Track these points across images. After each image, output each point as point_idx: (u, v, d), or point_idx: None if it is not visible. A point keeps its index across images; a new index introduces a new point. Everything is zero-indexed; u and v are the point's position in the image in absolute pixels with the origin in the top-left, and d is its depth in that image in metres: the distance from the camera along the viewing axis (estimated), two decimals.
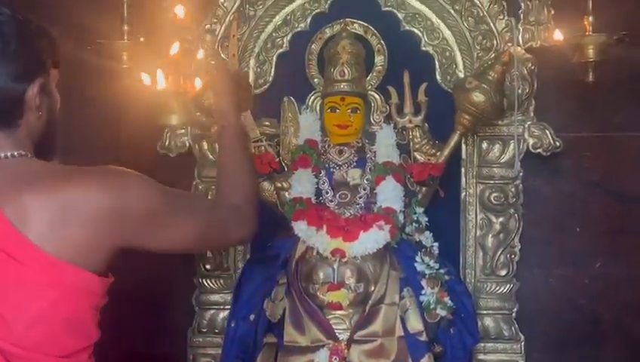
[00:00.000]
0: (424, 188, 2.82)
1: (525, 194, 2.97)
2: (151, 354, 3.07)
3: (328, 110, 2.80)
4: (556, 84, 2.96)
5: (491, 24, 2.91)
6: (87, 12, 3.06)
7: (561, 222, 3.05)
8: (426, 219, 2.78)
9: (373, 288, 2.67)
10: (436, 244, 2.73)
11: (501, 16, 2.89)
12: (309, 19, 2.98)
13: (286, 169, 2.84)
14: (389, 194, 2.75)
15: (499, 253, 2.95)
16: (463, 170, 2.96)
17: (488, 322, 2.96)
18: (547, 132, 2.92)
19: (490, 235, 2.96)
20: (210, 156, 2.97)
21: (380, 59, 2.90)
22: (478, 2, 2.91)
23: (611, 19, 2.75)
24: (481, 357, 2.94)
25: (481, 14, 2.91)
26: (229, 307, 2.89)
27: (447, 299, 2.66)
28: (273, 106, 2.88)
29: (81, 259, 1.52)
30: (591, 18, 2.64)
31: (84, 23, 3.00)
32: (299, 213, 2.71)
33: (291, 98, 2.84)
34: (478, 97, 2.68)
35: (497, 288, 2.96)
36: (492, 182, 2.95)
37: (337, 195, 2.79)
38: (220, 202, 1.94)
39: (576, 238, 3.04)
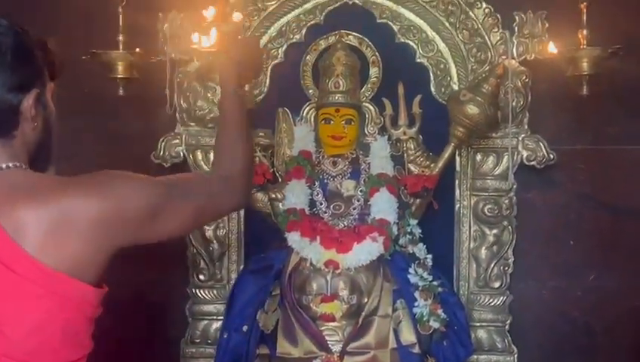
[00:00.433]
0: (418, 200, 2.83)
1: (519, 206, 2.99)
2: None
3: (323, 121, 2.82)
4: (550, 97, 2.99)
5: (486, 37, 2.91)
6: (82, 22, 3.08)
7: (554, 235, 3.07)
8: (420, 230, 2.80)
9: (366, 300, 2.68)
10: (430, 256, 2.76)
11: (495, 29, 2.90)
12: (304, 31, 2.98)
13: (280, 180, 2.84)
14: (383, 205, 2.76)
15: (492, 265, 2.97)
16: (456, 182, 2.97)
17: (481, 334, 2.98)
18: (541, 144, 2.92)
19: (483, 247, 2.97)
20: (205, 166, 2.97)
21: (374, 71, 2.92)
22: (472, 15, 2.92)
23: (605, 33, 2.77)
24: None
25: (476, 27, 2.91)
26: (222, 318, 2.89)
27: (440, 311, 2.68)
28: (268, 117, 2.89)
29: (77, 270, 1.51)
30: (585, 31, 2.65)
31: (80, 32, 3.02)
32: (292, 224, 2.73)
33: (286, 109, 2.85)
34: (472, 110, 2.70)
35: (491, 300, 2.98)
36: (486, 194, 2.96)
37: (331, 206, 2.81)
38: (212, 175, 1.92)
39: (570, 251, 3.07)
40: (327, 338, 2.64)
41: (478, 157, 2.96)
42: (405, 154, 2.85)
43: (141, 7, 2.90)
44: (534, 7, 2.87)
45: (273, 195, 2.82)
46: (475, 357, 2.92)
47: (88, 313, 1.55)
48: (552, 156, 2.92)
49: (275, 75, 2.99)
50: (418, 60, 2.95)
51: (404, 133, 2.85)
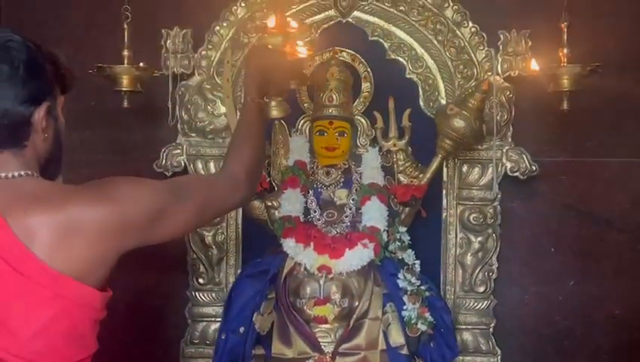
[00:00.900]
0: (407, 209, 2.82)
1: (503, 215, 2.99)
2: None
3: (317, 133, 2.82)
4: (533, 112, 2.99)
5: (472, 54, 2.91)
6: (88, 37, 3.09)
7: (536, 243, 3.06)
8: (409, 237, 2.79)
9: (357, 303, 2.66)
10: (418, 262, 2.74)
11: (481, 47, 2.90)
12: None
13: (276, 188, 2.85)
14: (374, 213, 2.76)
15: (477, 270, 2.96)
16: (444, 191, 2.97)
17: (467, 336, 2.97)
18: (524, 156, 2.92)
19: (469, 254, 2.96)
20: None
21: (366, 86, 2.91)
22: (459, 34, 2.92)
23: (585, 52, 2.76)
24: None
25: (463, 45, 2.92)
26: (220, 319, 2.88)
27: (427, 315, 2.66)
28: (265, 129, 2.87)
29: (83, 274, 1.52)
30: (566, 50, 2.65)
31: (86, 47, 3.03)
32: (288, 230, 2.73)
33: (282, 121, 2.83)
34: (458, 123, 2.69)
35: (476, 304, 2.98)
36: (471, 203, 2.96)
37: (324, 214, 2.80)
38: (218, 173, 1.89)
39: (551, 258, 3.06)
40: (319, 339, 2.64)
41: (465, 168, 2.96)
42: (395, 165, 2.84)
43: (145, 24, 2.91)
44: (518, 26, 2.87)
45: (270, 203, 2.82)
46: (461, 358, 2.92)
47: (93, 315, 1.56)
48: (534, 168, 2.92)
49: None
50: (408, 76, 2.95)
51: (394, 145, 2.85)
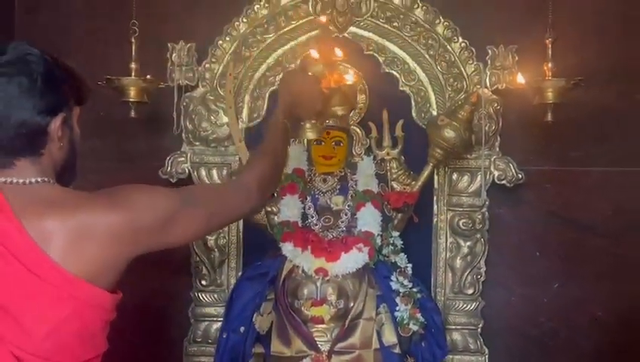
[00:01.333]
0: (400, 214, 2.82)
1: (491, 221, 2.99)
2: (151, 361, 3.05)
3: (315, 142, 2.81)
4: (519, 123, 2.99)
5: (462, 68, 2.92)
6: (98, 51, 3.10)
7: (522, 247, 3.07)
8: (401, 242, 2.80)
9: (352, 304, 2.67)
10: (410, 265, 2.75)
11: (470, 62, 2.92)
12: (298, 61, 2.96)
13: (275, 195, 2.85)
14: (368, 219, 2.77)
15: (466, 273, 2.97)
16: (435, 198, 2.97)
17: (456, 336, 2.98)
18: (511, 165, 2.93)
19: (458, 258, 2.97)
20: (208, 182, 2.97)
21: (361, 98, 2.92)
22: (450, 48, 2.93)
23: (568, 66, 2.78)
24: None
25: (453, 59, 2.93)
26: (221, 319, 2.88)
27: (419, 315, 2.66)
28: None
29: (95, 277, 1.52)
30: (550, 64, 2.66)
31: (95, 60, 3.04)
32: (286, 235, 2.73)
33: None
34: (449, 133, 2.70)
35: (464, 305, 2.98)
36: (461, 209, 2.96)
37: (321, 219, 2.81)
38: (230, 182, 1.86)
39: (536, 262, 3.06)
40: (316, 338, 2.64)
41: (454, 176, 2.97)
42: (389, 173, 2.84)
43: (151, 38, 2.92)
44: (505, 42, 2.88)
45: (269, 209, 2.82)
46: (450, 357, 2.92)
47: (104, 316, 1.56)
48: (520, 176, 2.93)
49: (272, 100, 2.96)
50: (401, 88, 2.96)
51: (388, 154, 2.84)
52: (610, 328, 3.03)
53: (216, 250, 2.99)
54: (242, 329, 2.72)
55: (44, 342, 1.49)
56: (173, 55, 2.94)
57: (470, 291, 2.97)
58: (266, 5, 2.97)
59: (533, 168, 3.02)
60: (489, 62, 2.89)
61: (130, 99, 2.77)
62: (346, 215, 2.80)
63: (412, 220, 2.86)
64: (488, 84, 2.89)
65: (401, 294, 2.67)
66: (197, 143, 3.00)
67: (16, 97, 1.53)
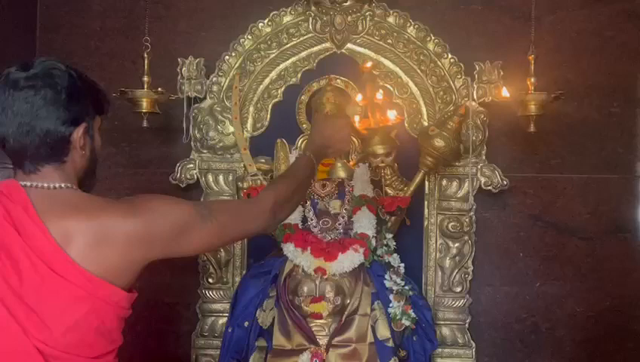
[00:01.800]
0: (393, 218, 2.83)
1: (477, 224, 3.01)
2: (161, 353, 3.07)
3: None
4: (504, 133, 3.02)
5: (451, 82, 2.94)
6: (113, 64, 3.12)
7: (507, 248, 3.08)
8: (395, 243, 2.80)
9: (349, 301, 2.66)
10: (402, 265, 2.75)
11: (459, 76, 2.93)
12: (299, 75, 3.00)
13: None
14: (364, 222, 2.77)
15: (455, 273, 2.98)
16: (425, 202, 2.98)
17: (445, 331, 2.98)
18: (496, 172, 2.95)
19: (447, 258, 2.97)
20: (215, 187, 2.99)
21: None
22: (440, 64, 2.95)
23: (550, 81, 2.81)
24: (439, 360, 2.96)
25: (443, 74, 2.95)
26: (227, 315, 2.88)
27: (411, 311, 2.66)
28: (268, 146, 2.89)
29: (113, 277, 1.54)
30: (533, 79, 2.67)
31: (110, 73, 3.05)
32: (287, 236, 2.73)
33: (283, 140, 2.84)
34: (439, 142, 2.70)
35: (453, 302, 2.99)
36: (450, 213, 2.97)
37: (320, 222, 2.80)
38: (247, 199, 1.84)
39: (520, 262, 3.07)
40: (315, 333, 2.64)
41: (444, 182, 2.97)
42: (383, 179, 2.83)
43: (163, 53, 2.94)
44: (491, 58, 2.90)
45: None
46: (440, 350, 2.92)
47: (120, 313, 1.60)
48: (505, 182, 2.94)
49: (274, 111, 3.01)
50: (394, 100, 2.96)
51: (382, 161, 2.86)
52: (587, 323, 3.04)
53: (222, 250, 2.98)
54: (246, 323, 2.73)
55: (64, 337, 1.51)
56: (183, 69, 2.95)
57: (458, 289, 2.98)
58: (270, 23, 2.99)
59: (517, 175, 3.03)
60: (476, 76, 2.91)
61: (143, 110, 2.78)
62: (343, 218, 2.79)
63: (405, 223, 2.87)
64: (475, 97, 2.89)
65: (394, 292, 2.68)
66: (205, 151, 3.01)
67: (42, 108, 1.55)
